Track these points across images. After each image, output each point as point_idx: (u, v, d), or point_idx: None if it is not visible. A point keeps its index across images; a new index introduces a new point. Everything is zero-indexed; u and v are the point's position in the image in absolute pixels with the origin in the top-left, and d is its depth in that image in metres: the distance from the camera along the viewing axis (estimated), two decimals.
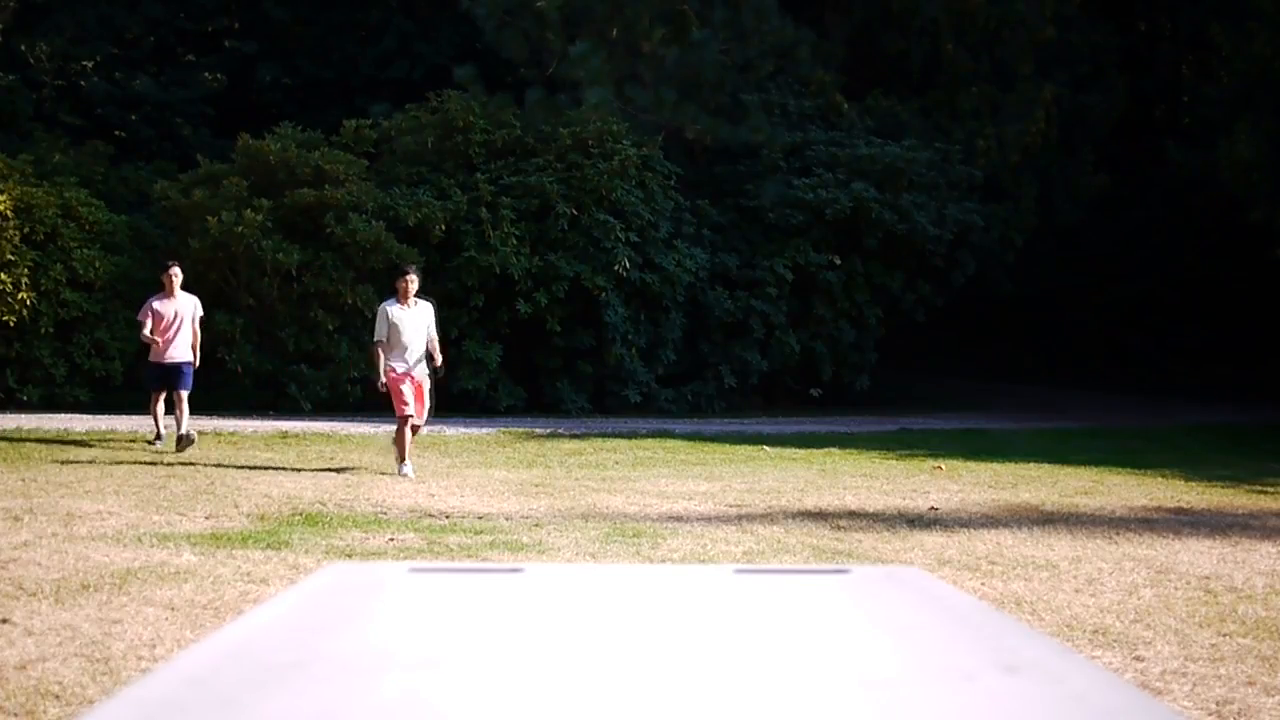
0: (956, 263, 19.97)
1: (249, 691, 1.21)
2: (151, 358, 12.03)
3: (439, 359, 10.61)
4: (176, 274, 12.00)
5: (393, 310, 10.49)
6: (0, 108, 21.06)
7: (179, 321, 11.89)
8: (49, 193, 15.85)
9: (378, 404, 17.09)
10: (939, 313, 21.13)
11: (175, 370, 11.85)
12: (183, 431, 11.41)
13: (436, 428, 14.47)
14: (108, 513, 8.10)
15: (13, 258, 15.29)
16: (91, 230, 16.05)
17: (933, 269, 19.79)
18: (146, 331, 11.79)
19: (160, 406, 12.01)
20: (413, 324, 10.48)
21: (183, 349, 11.93)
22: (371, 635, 1.45)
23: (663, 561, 6.91)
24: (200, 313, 12.12)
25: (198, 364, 12.09)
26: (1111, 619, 5.66)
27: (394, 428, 10.89)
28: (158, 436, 12.06)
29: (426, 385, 10.63)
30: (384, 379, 10.39)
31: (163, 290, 12.00)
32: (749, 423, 16.72)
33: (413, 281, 10.58)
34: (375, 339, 10.55)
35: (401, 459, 10.49)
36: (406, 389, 10.39)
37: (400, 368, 10.41)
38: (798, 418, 17.58)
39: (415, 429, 10.68)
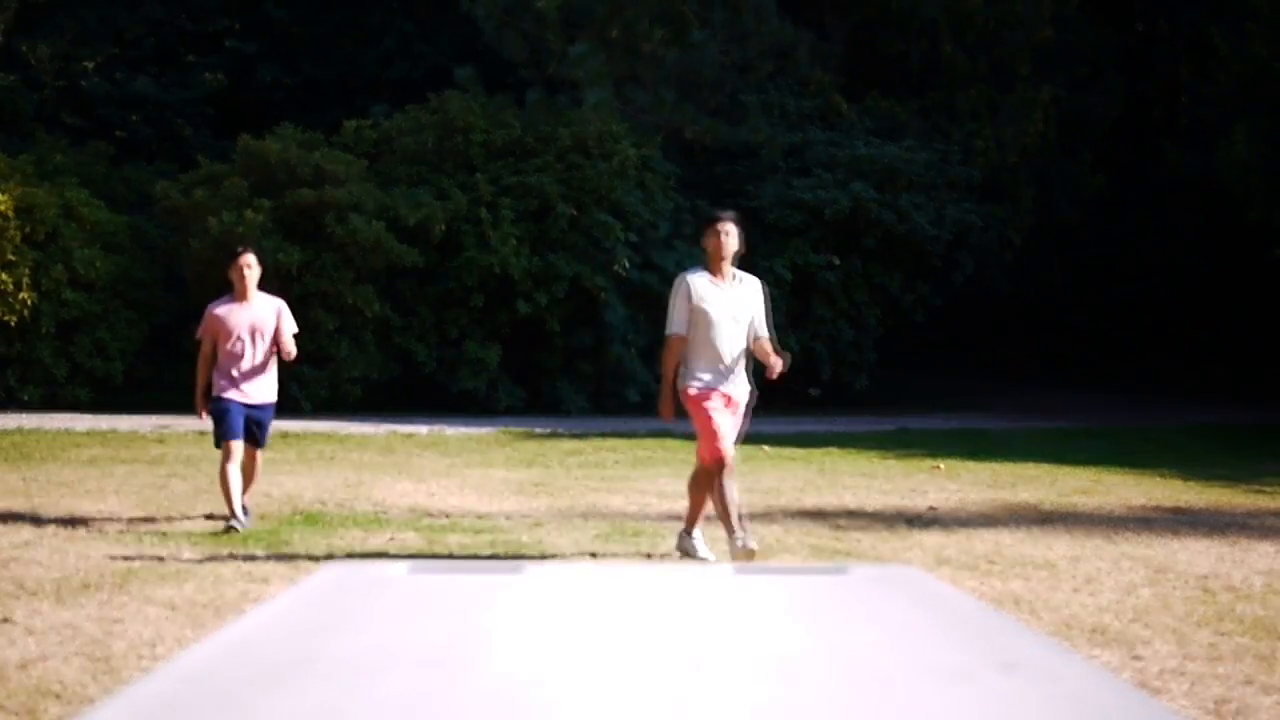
0: (955, 263, 19.98)
1: (249, 691, 1.21)
2: (217, 390, 7.72)
3: (775, 364, 6.57)
4: (251, 264, 7.85)
5: (699, 284, 6.63)
6: (1, 108, 21.08)
7: (256, 339, 7.76)
8: (50, 193, 15.86)
9: (378, 403, 17.17)
10: (938, 312, 21.14)
11: (251, 418, 7.76)
12: (244, 500, 7.79)
13: (436, 427, 14.47)
14: (108, 512, 8.11)
15: (14, 258, 15.30)
16: (92, 230, 16.06)
17: (931, 269, 19.80)
18: (202, 405, 7.80)
19: (235, 469, 7.67)
20: (730, 308, 6.63)
21: (264, 383, 7.82)
22: (371, 635, 1.45)
23: (663, 561, 6.92)
24: (290, 324, 7.92)
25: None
26: (1109, 618, 5.67)
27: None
28: (233, 516, 7.60)
29: (743, 404, 6.75)
30: (665, 397, 6.74)
31: (230, 292, 7.94)
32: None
33: (730, 236, 6.65)
34: (670, 331, 6.70)
35: (730, 530, 6.58)
36: (719, 412, 6.56)
37: (705, 379, 6.58)
38: (797, 417, 17.57)
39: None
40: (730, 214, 6.90)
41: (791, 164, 19.50)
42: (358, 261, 16.02)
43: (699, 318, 6.58)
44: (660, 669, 1.32)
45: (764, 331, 6.77)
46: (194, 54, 24.44)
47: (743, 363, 6.72)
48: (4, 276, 15.23)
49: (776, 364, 6.57)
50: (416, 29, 23.91)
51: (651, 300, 17.75)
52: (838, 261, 18.86)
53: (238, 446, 7.67)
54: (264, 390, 7.85)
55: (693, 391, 6.61)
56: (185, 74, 23.42)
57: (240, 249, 8.17)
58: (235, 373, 7.72)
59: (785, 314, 18.84)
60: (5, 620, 5.24)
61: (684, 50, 18.70)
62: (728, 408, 6.62)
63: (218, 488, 7.79)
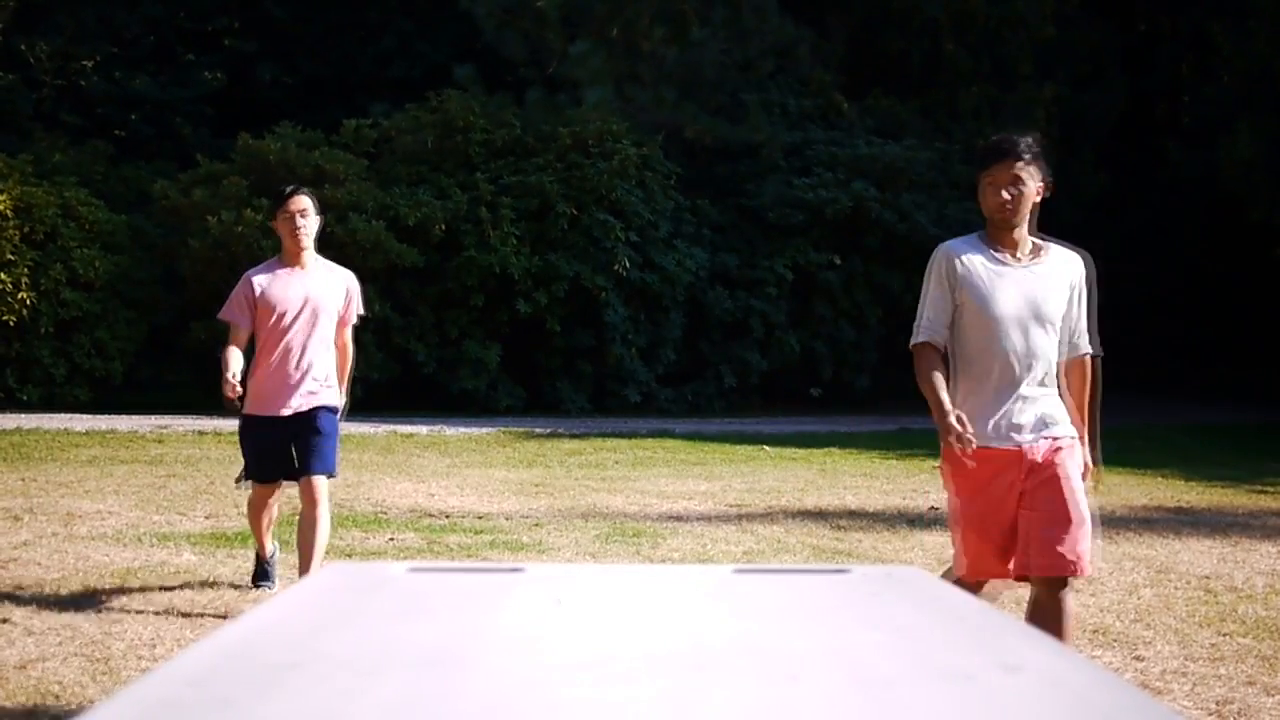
0: None
1: (249, 691, 1.21)
2: (250, 404, 5.57)
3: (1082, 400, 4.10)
4: (306, 210, 5.51)
5: (972, 262, 4.03)
6: (0, 107, 21.07)
7: (314, 321, 5.54)
8: (49, 192, 15.86)
9: (378, 403, 17.16)
10: None
11: (303, 429, 5.51)
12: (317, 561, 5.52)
13: (436, 427, 14.46)
14: (108, 512, 8.10)
15: (12, 257, 15.30)
16: (91, 230, 16.06)
17: None
18: (232, 375, 5.21)
19: (272, 514, 5.93)
20: (1027, 300, 3.98)
21: (319, 384, 5.54)
22: (371, 635, 1.45)
23: (663, 561, 6.91)
24: (357, 305, 5.74)
25: (345, 406, 5.78)
26: (1111, 619, 5.66)
27: None
28: (264, 573, 5.92)
29: (1071, 474, 3.92)
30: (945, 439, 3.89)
31: (276, 256, 5.75)
32: (749, 423, 16.71)
33: (1024, 183, 3.97)
34: (917, 339, 4.08)
35: None
36: (974, 503, 4.05)
37: (975, 425, 3.87)
38: (798, 417, 17.58)
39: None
40: (1023, 142, 3.97)
41: (792, 163, 19.52)
42: (357, 261, 15.99)
43: (969, 317, 3.97)
44: (660, 669, 1.31)
45: (1084, 343, 4.10)
46: (193, 53, 24.45)
47: (1052, 388, 4.04)
48: (3, 276, 15.22)
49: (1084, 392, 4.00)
50: (416, 28, 23.91)
51: (652, 301, 17.79)
52: (839, 261, 18.87)
53: (273, 490, 5.77)
54: (322, 391, 5.53)
55: (953, 444, 3.82)
56: (184, 73, 23.42)
57: (289, 189, 5.62)
58: (277, 372, 5.47)
59: (786, 314, 18.90)
60: (4, 621, 5.24)
61: (684, 49, 18.70)
62: (1008, 485, 3.93)
63: (215, 484, 7.64)
